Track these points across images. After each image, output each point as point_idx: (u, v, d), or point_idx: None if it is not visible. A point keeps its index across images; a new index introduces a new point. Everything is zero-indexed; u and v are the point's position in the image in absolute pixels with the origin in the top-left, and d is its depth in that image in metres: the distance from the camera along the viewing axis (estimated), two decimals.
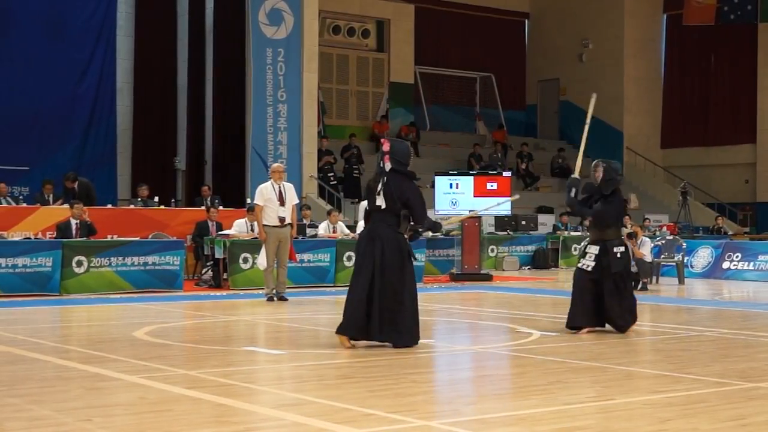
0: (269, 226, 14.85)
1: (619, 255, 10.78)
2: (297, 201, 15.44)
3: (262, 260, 15.02)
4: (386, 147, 9.71)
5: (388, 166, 9.62)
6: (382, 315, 9.42)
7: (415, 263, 9.92)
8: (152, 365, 8.44)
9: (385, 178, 9.59)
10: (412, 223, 9.74)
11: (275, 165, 15.81)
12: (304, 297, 15.88)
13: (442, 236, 21.78)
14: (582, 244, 11.38)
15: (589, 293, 10.82)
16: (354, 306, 9.52)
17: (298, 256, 16.06)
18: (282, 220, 14.85)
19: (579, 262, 11.08)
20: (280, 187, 15.00)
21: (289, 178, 23.29)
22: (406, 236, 9.67)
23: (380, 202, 9.62)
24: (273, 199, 14.90)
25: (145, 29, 24.35)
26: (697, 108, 32.42)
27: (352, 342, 9.57)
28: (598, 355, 9.19)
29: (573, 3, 33.56)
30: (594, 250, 10.85)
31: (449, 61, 33.50)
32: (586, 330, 10.83)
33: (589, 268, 10.80)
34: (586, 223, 11.74)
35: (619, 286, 10.82)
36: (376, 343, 9.55)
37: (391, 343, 9.50)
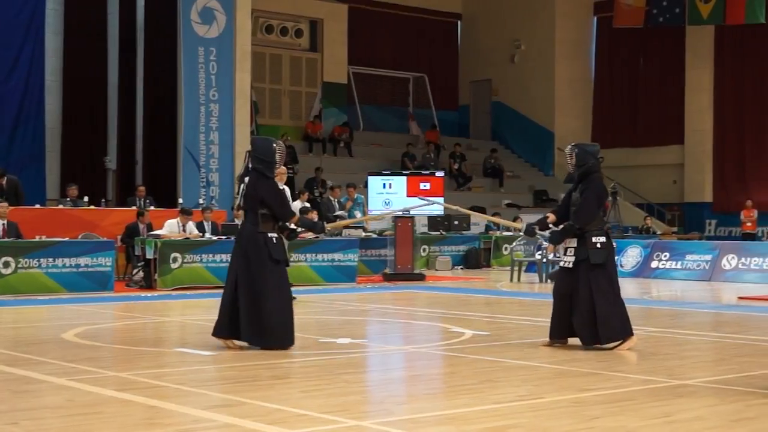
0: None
1: (599, 245, 9.58)
2: None
3: None
4: (251, 146, 9.74)
5: (251, 165, 9.62)
6: (245, 316, 9.33)
7: (280, 263, 9.55)
8: (81, 367, 8.34)
9: (247, 177, 9.60)
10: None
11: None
12: None
13: (376, 236, 21.85)
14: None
15: (568, 300, 9.62)
16: (223, 307, 9.52)
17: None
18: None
19: (561, 261, 9.94)
20: (282, 188, 14.97)
21: (221, 177, 23.26)
22: (275, 235, 9.50)
23: (240, 201, 9.68)
24: None
25: (75, 27, 24.02)
26: (626, 109, 32.82)
27: (235, 342, 9.50)
28: (529, 354, 9.26)
29: (505, 4, 33.79)
30: (573, 243, 9.69)
31: (382, 61, 33.55)
32: (551, 342, 9.75)
33: (570, 264, 9.63)
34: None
35: (600, 286, 9.49)
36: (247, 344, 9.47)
37: (257, 346, 9.37)
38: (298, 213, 10.19)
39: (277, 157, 9.56)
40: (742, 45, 30.15)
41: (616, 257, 20.44)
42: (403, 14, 33.74)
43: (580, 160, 9.73)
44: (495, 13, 34.10)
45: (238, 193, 9.77)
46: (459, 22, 35.59)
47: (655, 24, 30.20)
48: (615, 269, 9.81)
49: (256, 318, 9.32)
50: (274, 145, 9.61)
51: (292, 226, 9.78)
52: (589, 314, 9.43)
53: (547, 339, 9.80)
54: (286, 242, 9.81)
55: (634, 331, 9.63)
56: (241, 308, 9.35)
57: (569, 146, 9.96)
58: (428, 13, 34.31)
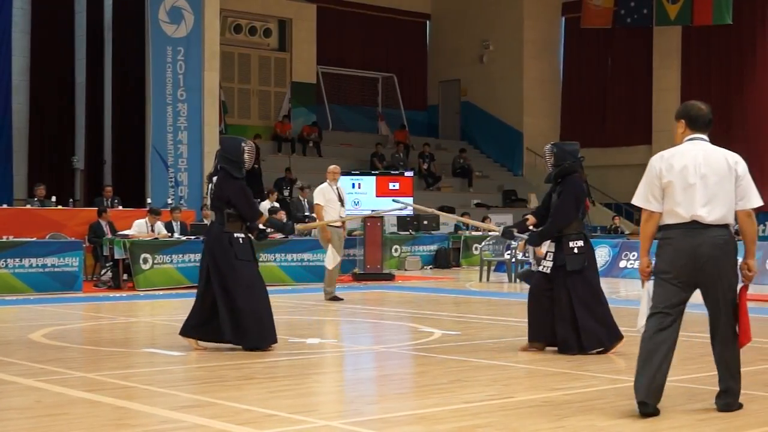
0: (333, 226, 14.79)
1: (576, 250, 9.24)
2: None
3: (330, 260, 14.79)
4: (220, 145, 9.75)
5: (219, 164, 9.61)
6: (221, 317, 9.28)
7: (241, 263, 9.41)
8: (49, 368, 8.29)
9: (215, 177, 9.59)
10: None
11: (332, 167, 15.59)
12: None
13: (346, 236, 21.80)
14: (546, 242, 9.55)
15: (544, 303, 9.29)
16: (193, 308, 9.52)
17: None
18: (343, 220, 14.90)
19: (540, 266, 9.61)
20: (337, 188, 15.00)
21: (189, 177, 23.18)
22: (242, 235, 9.45)
23: (209, 201, 9.69)
24: (334, 199, 14.97)
25: (42, 26, 23.91)
26: (594, 109, 32.96)
27: (200, 343, 9.48)
28: (499, 354, 9.27)
29: (473, 5, 33.86)
30: (552, 248, 9.38)
31: (351, 61, 33.55)
32: (530, 346, 9.35)
33: (548, 270, 9.32)
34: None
35: (578, 295, 9.18)
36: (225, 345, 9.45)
37: (239, 345, 9.29)
38: (266, 213, 10.15)
39: (246, 156, 9.48)
40: (708, 45, 30.36)
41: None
42: (372, 14, 33.74)
43: (558, 160, 9.43)
44: (463, 13, 34.17)
45: (206, 193, 9.76)
46: (428, 23, 35.64)
47: (623, 24, 30.36)
48: (595, 272, 9.48)
49: (231, 318, 9.27)
50: (243, 144, 9.53)
51: (261, 226, 9.77)
52: (571, 324, 9.11)
53: (526, 342, 9.43)
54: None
55: (622, 333, 9.33)
56: (219, 309, 9.32)
57: (548, 145, 9.66)
58: (397, 13, 34.33)
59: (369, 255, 19.98)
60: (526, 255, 18.17)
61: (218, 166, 9.58)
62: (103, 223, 18.56)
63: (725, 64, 30.13)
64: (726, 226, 6.34)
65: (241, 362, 8.70)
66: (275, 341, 9.45)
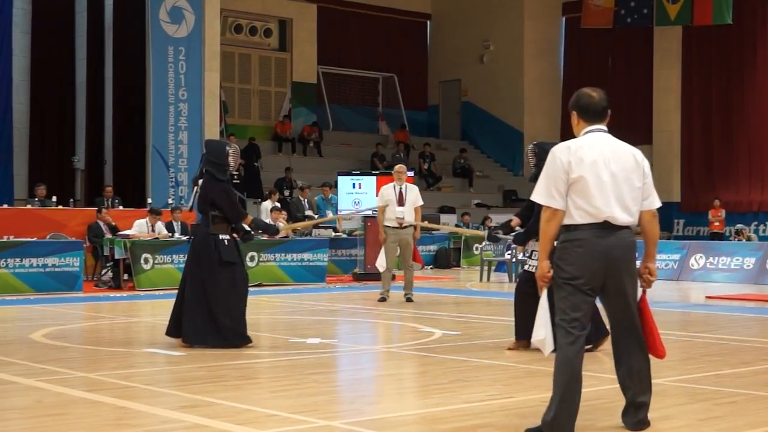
0: (389, 227, 14.80)
1: None
2: (421, 203, 15.21)
3: (381, 261, 14.84)
4: (205, 148, 9.82)
5: (204, 167, 9.71)
6: (194, 318, 9.38)
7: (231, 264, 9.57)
8: (50, 368, 8.30)
9: (201, 180, 9.66)
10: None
11: (397, 166, 15.55)
12: None
13: (346, 236, 21.83)
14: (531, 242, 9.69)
15: (530, 301, 9.06)
16: (175, 308, 9.67)
17: None
18: (401, 221, 14.83)
19: (526, 264, 9.75)
20: (401, 188, 14.96)
21: (190, 177, 23.14)
22: (227, 237, 9.54)
23: (195, 204, 9.79)
24: (392, 200, 14.89)
25: (42, 26, 23.89)
26: None
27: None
28: (499, 354, 9.28)
29: (474, 5, 33.85)
30: (536, 246, 9.13)
31: (352, 61, 33.53)
32: (516, 345, 9.48)
33: (534, 268, 9.22)
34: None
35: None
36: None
37: (211, 345, 9.35)
38: (268, 214, 10.20)
39: (230, 159, 9.64)
40: (709, 45, 30.34)
41: None
42: (373, 14, 33.73)
43: (540, 159, 9.38)
44: (464, 13, 34.16)
45: (193, 196, 9.89)
46: (428, 22, 35.62)
47: (623, 24, 30.34)
48: None
49: (208, 319, 9.35)
50: (228, 148, 9.71)
51: (246, 227, 9.84)
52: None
53: (513, 341, 9.54)
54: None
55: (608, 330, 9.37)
56: (188, 310, 9.38)
57: (530, 145, 9.76)
58: (397, 13, 34.33)
59: (369, 255, 19.95)
60: (526, 255, 18.15)
61: (203, 169, 9.67)
62: (101, 223, 18.55)
63: (725, 64, 30.10)
64: (629, 227, 5.91)
65: (241, 362, 8.70)
66: (249, 341, 9.51)
